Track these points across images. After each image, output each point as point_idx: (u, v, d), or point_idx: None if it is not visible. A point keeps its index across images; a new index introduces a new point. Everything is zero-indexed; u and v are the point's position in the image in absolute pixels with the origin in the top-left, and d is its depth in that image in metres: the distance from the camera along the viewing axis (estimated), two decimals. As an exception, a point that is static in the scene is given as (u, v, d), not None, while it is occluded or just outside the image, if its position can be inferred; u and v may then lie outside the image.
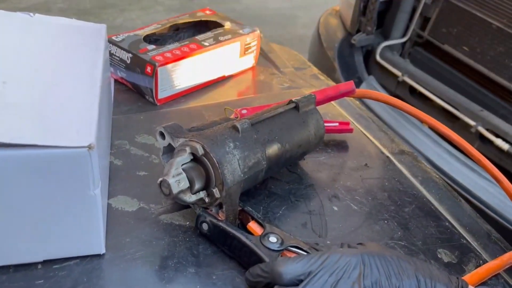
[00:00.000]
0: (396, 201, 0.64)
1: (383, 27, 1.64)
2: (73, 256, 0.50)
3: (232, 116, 0.72)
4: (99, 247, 0.50)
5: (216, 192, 0.52)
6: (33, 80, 0.50)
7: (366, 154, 0.73)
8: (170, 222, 0.56)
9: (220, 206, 0.53)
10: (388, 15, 1.62)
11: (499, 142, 1.25)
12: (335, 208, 0.62)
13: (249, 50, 0.90)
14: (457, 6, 1.42)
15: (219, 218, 0.53)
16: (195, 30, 0.92)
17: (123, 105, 0.78)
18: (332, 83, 0.93)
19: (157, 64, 0.74)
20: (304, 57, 1.05)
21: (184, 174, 0.51)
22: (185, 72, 0.79)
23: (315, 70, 0.98)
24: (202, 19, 0.92)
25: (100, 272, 0.49)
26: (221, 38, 0.84)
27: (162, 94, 0.78)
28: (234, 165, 0.53)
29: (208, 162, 0.52)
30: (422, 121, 0.72)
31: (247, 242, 0.50)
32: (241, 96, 0.86)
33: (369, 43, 1.63)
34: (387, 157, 0.73)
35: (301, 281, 0.43)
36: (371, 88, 1.54)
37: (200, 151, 0.51)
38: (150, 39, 0.84)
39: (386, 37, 1.63)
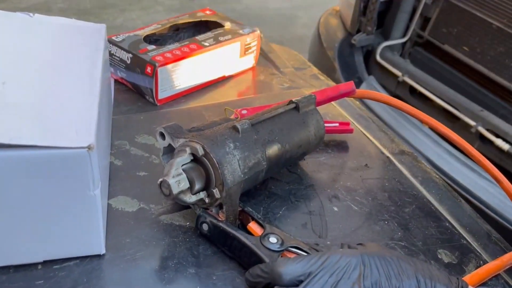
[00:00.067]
0: (396, 201, 0.64)
1: (383, 27, 1.64)
2: (73, 256, 0.50)
3: (232, 117, 0.72)
4: (99, 248, 0.50)
5: (216, 192, 0.52)
6: (33, 80, 0.50)
7: (366, 155, 0.73)
8: (170, 223, 0.56)
9: (220, 206, 0.53)
10: (388, 15, 1.62)
11: (499, 142, 1.25)
12: (335, 209, 0.62)
13: (249, 50, 0.90)
14: (457, 6, 1.42)
15: (219, 219, 0.53)
16: (195, 30, 0.92)
17: (123, 105, 0.78)
18: (332, 83, 0.93)
19: (157, 64, 0.74)
20: (304, 57, 1.05)
21: (184, 175, 0.51)
22: (185, 72, 0.79)
23: (315, 70, 0.98)
24: (202, 19, 0.92)
25: (100, 272, 0.49)
26: (221, 38, 0.84)
27: (162, 94, 0.78)
28: (234, 166, 0.53)
29: (208, 163, 0.52)
30: (422, 121, 0.72)
31: (247, 242, 0.50)
32: (241, 96, 0.86)
33: (369, 43, 1.63)
34: (387, 157, 0.73)
35: (301, 281, 0.43)
36: (371, 88, 1.54)
37: (200, 152, 0.51)
38: (150, 39, 0.84)
39: (386, 37, 1.63)
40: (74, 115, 0.47)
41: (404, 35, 1.61)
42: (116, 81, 0.83)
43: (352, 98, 0.84)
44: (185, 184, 0.51)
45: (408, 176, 0.70)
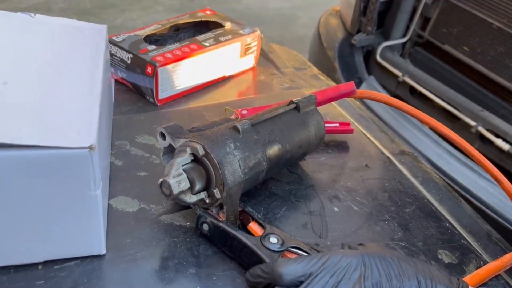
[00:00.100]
0: (397, 201, 0.64)
1: (384, 27, 1.64)
2: (74, 256, 0.50)
3: (233, 117, 0.72)
4: (100, 248, 0.50)
5: (216, 192, 0.52)
6: (34, 81, 0.50)
7: (366, 155, 0.73)
8: (170, 223, 0.56)
9: (220, 206, 0.53)
10: (388, 15, 1.62)
11: (499, 142, 1.25)
12: (336, 209, 0.62)
13: (250, 51, 0.90)
14: (457, 6, 1.42)
15: (220, 219, 0.53)
16: (196, 30, 0.92)
17: (124, 105, 0.78)
18: (332, 83, 0.93)
19: (157, 64, 0.74)
20: (304, 57, 1.05)
21: (184, 175, 0.51)
22: (186, 72, 0.79)
23: (315, 70, 0.98)
24: (203, 19, 0.92)
25: (101, 272, 0.49)
26: (221, 39, 0.84)
27: (162, 94, 0.78)
28: (234, 166, 0.53)
29: (208, 163, 0.52)
30: (422, 121, 0.72)
31: (248, 242, 0.50)
32: (242, 96, 0.86)
33: (370, 43, 1.63)
34: (388, 157, 0.73)
35: (302, 282, 0.43)
36: (371, 88, 1.54)
37: (201, 152, 0.51)
38: (150, 39, 0.84)
39: (386, 37, 1.63)
40: (75, 115, 0.47)
41: (404, 35, 1.61)
42: (116, 81, 0.83)
43: (352, 98, 0.84)
44: (185, 184, 0.51)
45: (409, 177, 0.70)
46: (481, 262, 0.57)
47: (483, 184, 1.20)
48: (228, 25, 0.89)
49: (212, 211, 0.54)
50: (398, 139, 0.80)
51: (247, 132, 0.55)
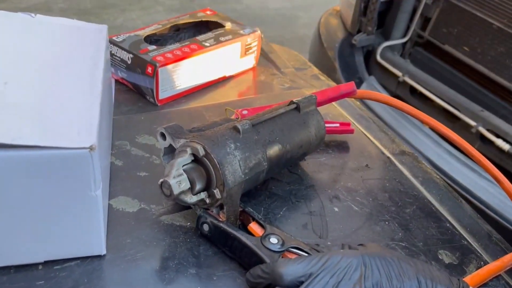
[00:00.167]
0: (397, 202, 0.64)
1: (384, 27, 1.64)
2: (74, 257, 0.50)
3: (233, 117, 0.72)
4: (100, 248, 0.50)
5: (217, 193, 0.52)
6: (34, 81, 0.50)
7: (366, 155, 0.73)
8: (171, 223, 0.56)
9: (221, 207, 0.53)
10: (388, 15, 1.62)
11: (499, 142, 1.25)
12: (336, 209, 0.62)
13: (250, 51, 0.90)
14: (457, 6, 1.42)
15: (220, 219, 0.53)
16: (196, 30, 0.92)
17: (124, 105, 0.78)
18: (332, 84, 0.93)
19: (157, 64, 0.74)
20: (304, 57, 1.05)
21: (185, 175, 0.51)
22: (186, 72, 0.79)
23: (315, 70, 0.98)
24: (203, 19, 0.92)
25: (101, 273, 0.49)
26: (221, 39, 0.84)
27: (162, 94, 0.78)
28: (235, 166, 0.53)
29: (209, 163, 0.52)
30: (422, 121, 0.72)
31: (248, 243, 0.50)
32: (242, 96, 0.86)
33: (370, 43, 1.63)
34: (388, 157, 0.73)
35: (302, 282, 0.43)
36: (371, 88, 1.54)
37: (201, 152, 0.51)
38: (150, 39, 0.84)
39: (386, 37, 1.63)
40: (75, 116, 0.47)
41: (404, 35, 1.61)
42: (116, 81, 0.83)
43: (352, 99, 0.84)
44: (186, 185, 0.51)
45: (409, 177, 0.70)
46: (482, 263, 0.57)
47: (483, 184, 1.20)
48: (228, 25, 0.89)
49: (212, 212, 0.54)
50: (399, 139, 0.80)
51: (248, 132, 0.55)
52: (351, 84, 0.70)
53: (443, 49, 1.48)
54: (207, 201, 0.53)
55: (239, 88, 0.88)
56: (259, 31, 0.90)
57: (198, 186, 0.52)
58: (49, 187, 0.44)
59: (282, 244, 0.50)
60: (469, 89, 1.42)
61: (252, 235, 0.52)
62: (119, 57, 0.78)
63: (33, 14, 0.61)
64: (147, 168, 0.64)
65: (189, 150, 0.52)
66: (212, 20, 0.91)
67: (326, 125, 0.66)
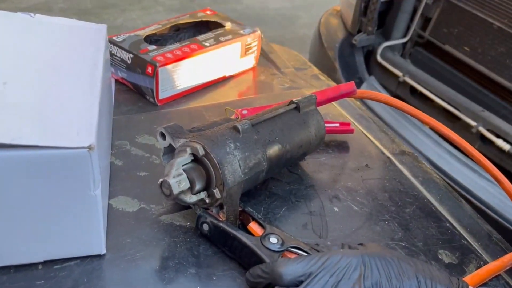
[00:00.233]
0: (397, 201, 0.64)
1: (384, 27, 1.64)
2: (74, 256, 0.50)
3: (233, 117, 0.72)
4: (100, 248, 0.50)
5: (216, 192, 0.52)
6: (33, 81, 0.50)
7: (366, 155, 0.73)
8: (170, 223, 0.56)
9: (220, 206, 0.53)
10: (389, 15, 1.62)
11: (499, 142, 1.25)
12: (336, 209, 0.62)
13: (250, 51, 0.90)
14: (458, 6, 1.42)
15: (220, 219, 0.53)
16: (196, 30, 0.92)
17: (124, 105, 0.78)
18: (332, 84, 0.93)
19: (157, 64, 0.74)
20: (304, 57, 1.05)
21: (184, 175, 0.51)
22: (186, 72, 0.79)
23: (315, 70, 0.98)
24: (203, 19, 0.92)
25: (101, 272, 0.49)
26: (221, 39, 0.84)
27: (162, 94, 0.78)
28: (234, 166, 0.53)
29: (208, 163, 0.52)
30: (422, 121, 0.72)
31: (248, 242, 0.50)
32: (242, 96, 0.86)
33: (370, 43, 1.63)
34: (388, 157, 0.73)
35: (302, 282, 0.43)
36: (371, 88, 1.54)
37: (201, 152, 0.51)
38: (150, 39, 0.84)
39: (387, 37, 1.63)
40: (74, 115, 0.47)
41: (404, 35, 1.61)
42: (116, 81, 0.83)
43: (352, 99, 0.84)
44: (185, 184, 0.51)
45: (409, 177, 0.70)
46: (481, 262, 0.57)
47: (483, 184, 1.20)
48: (228, 25, 0.89)
49: (212, 211, 0.54)
50: (399, 139, 0.80)
51: (247, 132, 0.55)
52: (351, 84, 0.70)
53: (444, 49, 1.48)
54: (207, 200, 0.53)
55: (239, 88, 0.88)
56: (259, 31, 0.90)
57: (197, 186, 0.52)
58: (48, 187, 0.44)
59: (282, 244, 0.50)
60: (470, 89, 1.42)
61: (252, 234, 0.52)
62: (119, 57, 0.78)
63: (32, 14, 0.61)
64: (147, 168, 0.64)
65: (189, 150, 0.52)
66: (212, 20, 0.92)
67: (326, 125, 0.66)
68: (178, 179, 0.50)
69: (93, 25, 0.64)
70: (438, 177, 0.72)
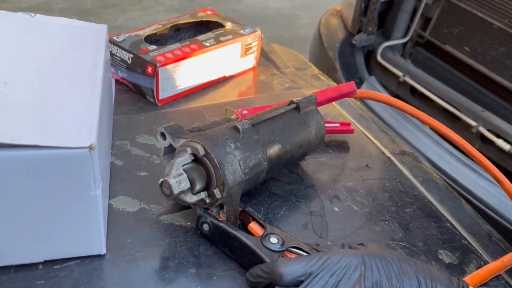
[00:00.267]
0: (397, 201, 0.64)
1: (384, 27, 1.64)
2: (74, 256, 0.50)
3: (233, 117, 0.72)
4: (100, 248, 0.50)
5: (217, 192, 0.52)
6: (34, 81, 0.50)
7: (367, 155, 0.73)
8: (171, 223, 0.56)
9: (221, 206, 0.53)
10: (389, 15, 1.62)
11: (500, 142, 1.25)
12: (336, 209, 0.62)
13: (250, 51, 0.90)
14: (458, 6, 1.42)
15: (220, 219, 0.53)
16: (196, 30, 0.92)
17: (124, 105, 0.78)
18: (333, 84, 0.93)
19: (158, 64, 0.74)
20: (305, 57, 1.05)
21: (185, 175, 0.51)
22: (186, 72, 0.79)
23: (316, 70, 0.98)
24: (203, 19, 0.92)
25: (101, 272, 0.49)
26: (222, 39, 0.84)
27: (163, 94, 0.78)
28: (235, 166, 0.53)
29: (209, 163, 0.52)
30: (423, 121, 0.72)
31: (248, 242, 0.50)
32: (242, 96, 0.86)
33: (370, 43, 1.63)
34: (388, 157, 0.73)
35: (302, 282, 0.43)
36: (372, 88, 1.54)
37: (201, 152, 0.51)
38: (151, 39, 0.84)
39: (387, 37, 1.63)
40: (75, 115, 0.47)
41: (405, 35, 1.61)
42: (117, 81, 0.83)
43: (353, 99, 0.84)
44: (186, 184, 0.51)
45: (409, 177, 0.70)
46: (482, 262, 0.56)
47: (483, 184, 1.20)
48: (228, 25, 0.89)
49: (212, 211, 0.54)
50: (399, 139, 0.80)
51: (248, 132, 0.55)
52: (351, 84, 0.70)
53: (444, 49, 1.48)
54: (207, 200, 0.53)
55: (239, 88, 0.88)
56: (259, 31, 0.90)
57: (198, 186, 0.52)
58: (49, 187, 0.44)
59: (282, 244, 0.50)
60: (470, 89, 1.42)
61: (252, 235, 0.52)
62: (120, 57, 0.78)
63: (33, 14, 0.61)
64: (147, 168, 0.64)
65: (189, 150, 0.52)
66: (212, 20, 0.92)
67: (326, 125, 0.66)
68: (178, 179, 0.50)
69: (94, 25, 0.64)
70: (438, 177, 0.72)
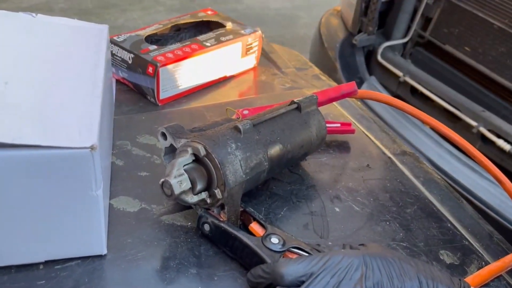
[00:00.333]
0: (398, 202, 0.64)
1: (385, 28, 1.64)
2: (75, 256, 0.50)
3: (234, 117, 0.72)
4: (101, 248, 0.50)
5: (218, 193, 0.52)
6: (34, 81, 0.50)
7: (367, 155, 0.73)
8: (171, 223, 0.56)
9: (222, 207, 0.53)
10: (389, 15, 1.62)
11: (500, 142, 1.24)
12: (337, 209, 0.62)
13: (251, 51, 0.90)
14: (458, 6, 1.42)
15: (221, 219, 0.53)
16: (197, 30, 0.92)
17: (125, 105, 0.78)
18: (333, 84, 0.93)
19: (158, 64, 0.74)
20: (305, 58, 1.05)
21: (186, 175, 0.51)
22: (187, 72, 0.79)
23: (316, 70, 0.98)
24: (204, 19, 0.92)
25: (102, 272, 0.49)
26: (222, 39, 0.84)
27: (163, 94, 0.78)
28: (236, 166, 0.53)
29: (210, 163, 0.52)
30: (423, 122, 0.72)
31: (249, 243, 0.50)
32: (243, 96, 0.86)
33: (371, 44, 1.63)
34: (389, 158, 0.73)
35: (303, 282, 0.43)
36: (372, 88, 1.54)
37: (202, 152, 0.51)
38: (151, 39, 0.84)
39: (387, 37, 1.63)
40: (76, 115, 0.47)
41: (405, 35, 1.61)
42: (117, 81, 0.83)
43: (353, 99, 0.84)
44: (186, 185, 0.51)
45: (410, 177, 0.70)
46: (483, 263, 0.56)
47: (484, 184, 1.19)
48: (229, 25, 0.89)
49: (213, 211, 0.54)
50: (400, 139, 0.80)
51: (248, 132, 0.55)
52: (352, 84, 0.70)
53: (444, 49, 1.48)
54: (208, 201, 0.53)
55: (240, 88, 0.88)
56: (260, 31, 0.90)
57: (199, 186, 0.52)
58: (49, 187, 0.44)
59: (283, 244, 0.50)
60: (470, 89, 1.42)
61: (253, 235, 0.52)
62: (120, 57, 0.78)
63: (34, 14, 0.61)
64: (148, 168, 0.64)
65: (190, 150, 0.52)
66: (213, 20, 0.91)
67: (327, 125, 0.66)
68: (179, 179, 0.50)
69: (95, 26, 0.64)
70: (439, 177, 0.71)
